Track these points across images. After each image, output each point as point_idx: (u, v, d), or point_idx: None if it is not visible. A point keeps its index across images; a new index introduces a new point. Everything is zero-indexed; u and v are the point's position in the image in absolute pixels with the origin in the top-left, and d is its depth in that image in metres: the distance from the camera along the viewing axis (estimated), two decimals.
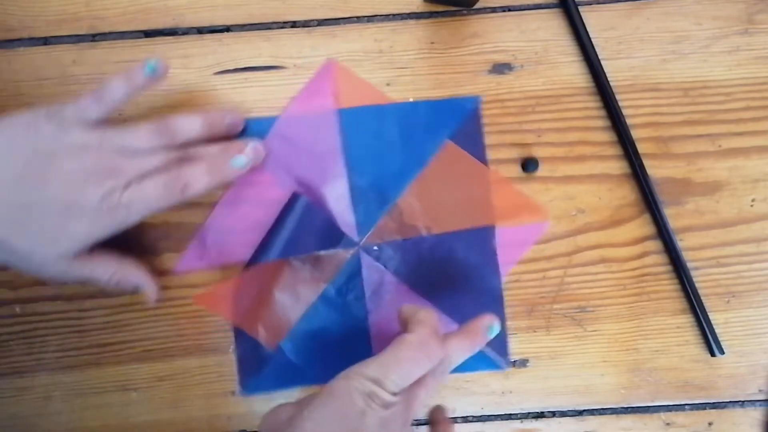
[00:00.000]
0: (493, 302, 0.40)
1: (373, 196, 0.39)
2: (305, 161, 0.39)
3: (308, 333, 0.39)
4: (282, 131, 0.39)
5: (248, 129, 0.39)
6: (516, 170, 0.40)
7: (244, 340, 0.39)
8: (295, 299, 0.39)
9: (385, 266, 0.39)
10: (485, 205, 0.39)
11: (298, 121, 0.39)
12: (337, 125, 0.39)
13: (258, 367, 0.39)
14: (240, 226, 0.39)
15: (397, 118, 0.39)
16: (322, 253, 0.39)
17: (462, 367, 0.39)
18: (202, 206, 0.39)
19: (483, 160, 0.39)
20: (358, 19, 0.39)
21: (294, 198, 0.38)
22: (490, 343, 0.39)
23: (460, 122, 0.39)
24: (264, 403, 0.40)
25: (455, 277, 0.39)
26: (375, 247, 0.39)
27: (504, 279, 0.40)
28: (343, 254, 0.39)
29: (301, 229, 0.38)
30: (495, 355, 0.40)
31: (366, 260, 0.39)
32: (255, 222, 0.39)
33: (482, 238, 0.39)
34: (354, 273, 0.39)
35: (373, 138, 0.39)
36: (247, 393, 0.39)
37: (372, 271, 0.39)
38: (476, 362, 0.39)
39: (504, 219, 0.40)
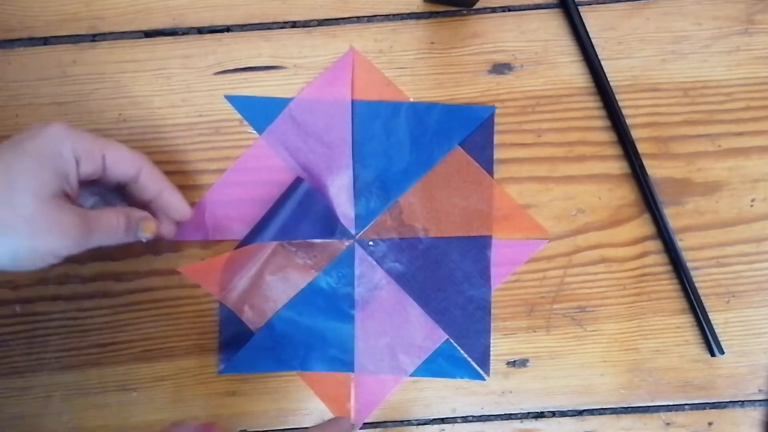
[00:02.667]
0: (481, 311, 0.40)
1: (375, 191, 0.39)
2: (313, 147, 0.39)
3: (293, 318, 0.39)
4: (294, 114, 0.39)
5: (260, 106, 0.39)
6: (515, 171, 0.40)
7: (228, 319, 0.39)
8: (285, 283, 0.39)
9: (378, 262, 0.40)
10: (485, 215, 0.39)
11: (311, 105, 0.39)
12: (350, 116, 0.39)
13: (237, 347, 0.39)
14: (238, 204, 0.39)
15: (410, 117, 0.39)
16: (318, 241, 0.39)
17: (444, 373, 0.40)
18: (203, 187, 0.39)
19: (489, 170, 0.39)
20: (358, 19, 0.39)
21: (296, 183, 0.38)
22: (472, 354, 0.39)
23: (472, 130, 0.39)
24: (266, 403, 0.40)
25: (446, 281, 0.39)
26: (371, 243, 0.40)
27: (494, 290, 0.40)
28: (338, 245, 0.39)
29: (298, 214, 0.38)
30: (477, 366, 0.40)
31: (360, 254, 0.40)
32: (254, 202, 0.39)
33: (478, 246, 0.39)
34: (346, 265, 0.40)
35: (384, 133, 0.39)
36: (224, 372, 0.39)
37: (364, 266, 0.40)
38: (458, 370, 0.40)
39: (502, 232, 0.40)
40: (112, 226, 0.32)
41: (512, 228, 0.40)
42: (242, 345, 0.39)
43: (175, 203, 0.35)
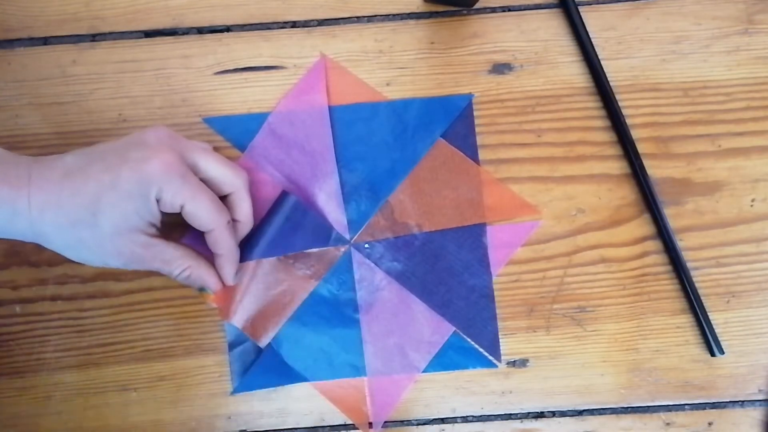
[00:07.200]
0: (484, 299, 0.40)
1: (364, 194, 0.39)
2: (296, 158, 0.39)
3: (299, 330, 0.39)
4: (273, 127, 0.39)
5: (239, 124, 0.39)
6: (515, 171, 0.40)
7: (234, 337, 0.39)
8: (286, 296, 0.39)
9: (376, 264, 0.40)
10: (476, 203, 0.39)
11: (289, 117, 0.39)
12: (329, 122, 0.39)
13: (248, 365, 0.39)
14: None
15: (389, 115, 0.39)
16: (314, 250, 0.39)
17: (456, 365, 0.40)
18: None
19: (475, 158, 0.40)
20: (358, 19, 0.40)
21: (283, 196, 0.38)
22: (481, 343, 0.40)
23: (452, 120, 0.39)
24: (264, 402, 0.40)
25: (446, 274, 0.40)
26: (366, 245, 0.40)
27: (495, 277, 0.40)
28: (334, 252, 0.39)
29: (289, 228, 0.38)
30: (487, 354, 0.40)
31: (357, 258, 0.40)
32: None
33: (473, 235, 0.40)
34: (345, 270, 0.39)
35: (365, 135, 0.39)
36: (237, 391, 0.39)
37: (363, 269, 0.40)
38: (470, 360, 0.40)
39: (495, 217, 0.40)
40: (169, 270, 0.35)
41: (504, 212, 0.40)
42: (250, 362, 0.39)
43: (224, 272, 0.36)
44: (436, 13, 0.40)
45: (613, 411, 0.40)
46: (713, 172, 0.40)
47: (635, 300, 0.40)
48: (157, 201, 0.32)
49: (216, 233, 0.34)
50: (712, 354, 0.39)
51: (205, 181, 0.34)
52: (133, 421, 0.40)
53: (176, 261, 0.34)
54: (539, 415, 0.40)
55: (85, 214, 0.31)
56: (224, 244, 0.35)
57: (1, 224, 0.31)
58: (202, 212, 0.33)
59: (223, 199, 0.35)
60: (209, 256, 0.36)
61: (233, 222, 0.36)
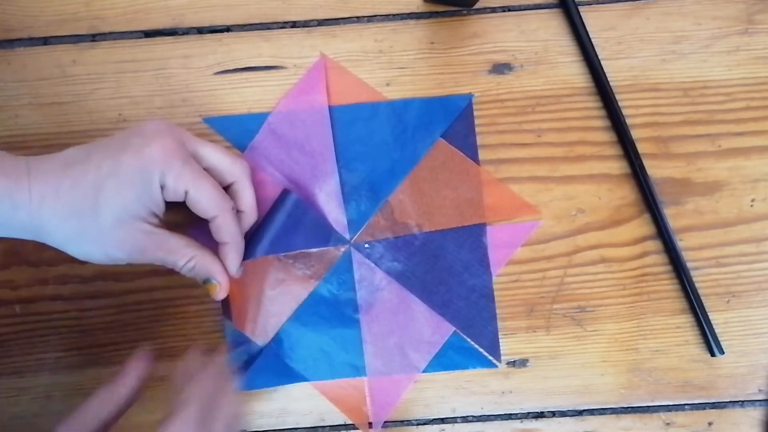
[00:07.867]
0: (484, 299, 0.40)
1: (364, 194, 0.39)
2: (296, 158, 0.39)
3: (299, 330, 0.39)
4: (273, 127, 0.39)
5: (239, 124, 0.39)
6: (515, 171, 0.40)
7: (234, 337, 0.39)
8: (286, 296, 0.39)
9: (376, 264, 0.40)
10: (476, 203, 0.39)
11: (289, 117, 0.39)
12: (329, 122, 0.39)
13: (247, 364, 0.39)
14: None
15: (389, 115, 0.39)
16: (314, 250, 0.39)
17: (456, 365, 0.40)
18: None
19: (475, 158, 0.40)
20: (358, 19, 0.40)
21: (284, 195, 0.38)
22: (481, 343, 0.40)
23: (452, 120, 0.39)
24: (264, 403, 0.40)
25: (446, 274, 0.40)
26: (366, 245, 0.40)
27: (495, 277, 0.40)
28: (334, 252, 0.39)
29: (290, 226, 0.38)
30: (487, 354, 0.40)
31: (357, 258, 0.40)
32: None
33: (473, 235, 0.40)
34: (345, 270, 0.39)
35: (365, 135, 0.39)
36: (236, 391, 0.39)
37: (363, 269, 0.40)
38: (470, 360, 0.40)
39: (495, 217, 0.40)
40: (174, 260, 0.34)
41: (504, 212, 0.40)
42: (248, 361, 0.39)
43: (229, 260, 0.35)
44: (436, 13, 0.40)
45: (613, 411, 0.40)
46: (713, 172, 0.40)
47: (635, 300, 0.40)
48: (161, 188, 0.32)
49: (220, 220, 0.34)
50: (712, 354, 0.39)
51: (207, 170, 0.34)
52: (133, 421, 0.40)
53: (181, 251, 0.34)
54: (539, 415, 0.40)
55: (86, 203, 0.31)
56: (229, 232, 0.35)
57: (2, 219, 0.30)
58: (205, 197, 0.33)
59: (226, 189, 0.35)
60: (214, 248, 0.36)
61: (237, 212, 0.36)
